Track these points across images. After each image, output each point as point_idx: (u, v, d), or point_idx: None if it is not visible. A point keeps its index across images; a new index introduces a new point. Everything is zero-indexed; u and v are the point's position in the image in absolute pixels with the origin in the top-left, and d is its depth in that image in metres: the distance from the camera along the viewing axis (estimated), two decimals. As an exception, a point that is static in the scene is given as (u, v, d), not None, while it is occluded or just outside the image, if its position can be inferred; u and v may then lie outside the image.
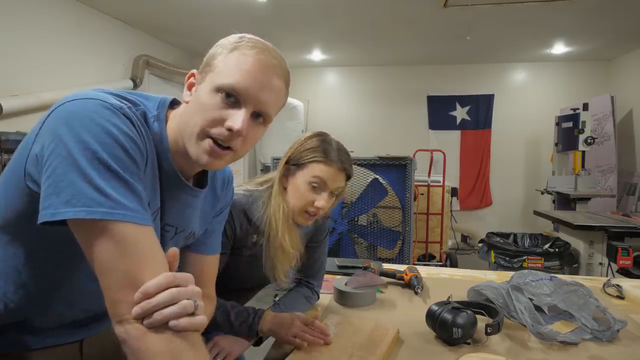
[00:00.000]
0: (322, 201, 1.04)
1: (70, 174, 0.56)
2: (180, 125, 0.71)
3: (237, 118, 0.67)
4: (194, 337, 0.59)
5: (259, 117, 0.70)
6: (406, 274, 1.48)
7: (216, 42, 0.73)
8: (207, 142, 0.68)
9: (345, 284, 1.35)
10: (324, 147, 1.06)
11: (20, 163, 0.63)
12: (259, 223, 1.09)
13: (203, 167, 0.75)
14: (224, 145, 0.68)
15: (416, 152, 4.21)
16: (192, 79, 0.73)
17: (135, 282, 0.57)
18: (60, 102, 0.62)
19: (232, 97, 0.67)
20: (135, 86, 3.93)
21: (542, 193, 4.42)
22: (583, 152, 3.90)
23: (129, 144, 0.62)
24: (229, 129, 0.67)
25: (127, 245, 0.57)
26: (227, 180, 0.92)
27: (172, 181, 0.74)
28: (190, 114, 0.69)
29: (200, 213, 0.84)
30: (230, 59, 0.68)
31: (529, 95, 5.40)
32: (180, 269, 0.89)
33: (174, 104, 0.76)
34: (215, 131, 0.67)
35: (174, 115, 0.73)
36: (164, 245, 0.80)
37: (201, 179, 0.83)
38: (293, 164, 1.08)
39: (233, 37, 0.72)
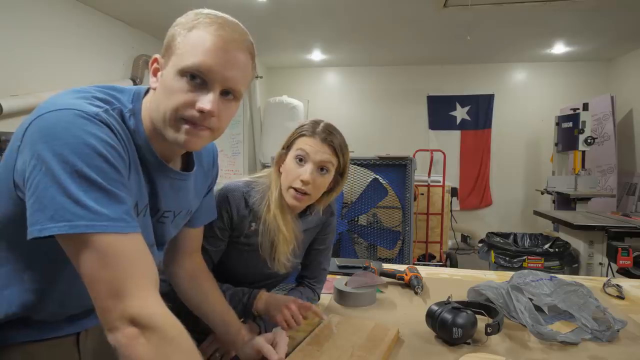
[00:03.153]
0: (306, 174, 1.02)
1: (51, 190, 0.57)
2: (152, 112, 0.71)
3: (206, 99, 0.67)
4: (184, 343, 0.60)
5: (228, 94, 0.70)
6: (406, 274, 1.48)
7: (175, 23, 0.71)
8: (182, 124, 0.68)
9: (345, 284, 1.35)
10: (312, 124, 1.07)
11: (9, 172, 0.63)
12: (256, 208, 1.09)
13: (183, 148, 0.75)
14: (199, 124, 0.69)
15: (416, 152, 4.21)
16: (155, 65, 0.71)
17: (118, 290, 0.58)
18: (36, 115, 0.61)
19: (197, 78, 0.66)
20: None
21: (542, 193, 4.42)
22: (583, 152, 3.90)
23: (109, 151, 0.62)
24: (200, 111, 0.67)
25: (109, 256, 0.58)
26: (214, 155, 0.95)
27: (160, 170, 0.75)
28: (158, 100, 0.69)
29: (194, 191, 0.88)
30: (190, 39, 0.66)
31: (529, 95, 5.40)
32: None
33: (149, 90, 0.74)
34: (188, 114, 0.67)
35: (145, 104, 0.73)
36: (166, 229, 0.83)
37: (189, 159, 0.84)
38: (286, 147, 1.09)
39: (191, 15, 0.70)
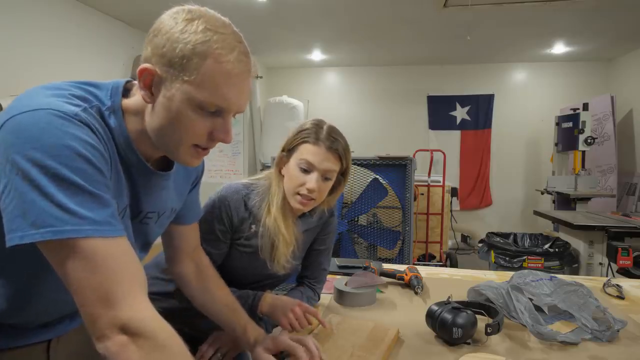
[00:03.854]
0: (312, 183, 1.02)
1: (31, 194, 0.54)
2: (154, 131, 0.68)
3: (225, 129, 0.68)
4: (175, 347, 0.59)
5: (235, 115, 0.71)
6: (406, 274, 1.48)
7: (167, 25, 0.64)
8: (194, 150, 0.69)
9: (345, 284, 1.35)
10: (314, 129, 1.06)
11: None
12: (256, 211, 1.09)
13: (185, 166, 0.77)
14: (208, 148, 0.71)
15: (416, 152, 4.21)
16: (146, 74, 0.65)
17: (108, 297, 0.56)
18: (9, 115, 0.57)
19: (215, 110, 0.66)
20: (135, 86, 3.94)
21: (542, 193, 4.42)
22: (583, 152, 3.90)
23: (91, 152, 0.59)
24: (218, 140, 0.68)
25: (96, 261, 0.56)
26: None
27: (141, 171, 0.73)
28: (166, 125, 0.66)
29: (176, 190, 0.85)
30: (209, 70, 0.62)
31: (529, 95, 5.40)
32: (163, 238, 0.93)
33: (127, 84, 0.71)
34: (202, 143, 0.69)
35: (135, 107, 0.69)
36: (150, 230, 0.81)
37: (168, 158, 0.82)
38: (287, 149, 1.09)
39: (196, 29, 0.62)
